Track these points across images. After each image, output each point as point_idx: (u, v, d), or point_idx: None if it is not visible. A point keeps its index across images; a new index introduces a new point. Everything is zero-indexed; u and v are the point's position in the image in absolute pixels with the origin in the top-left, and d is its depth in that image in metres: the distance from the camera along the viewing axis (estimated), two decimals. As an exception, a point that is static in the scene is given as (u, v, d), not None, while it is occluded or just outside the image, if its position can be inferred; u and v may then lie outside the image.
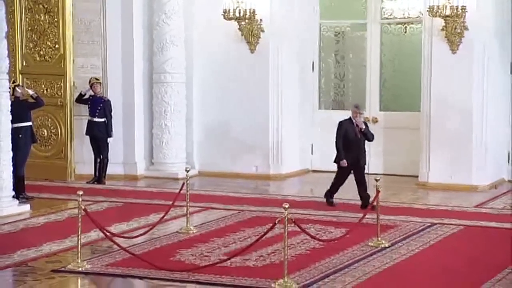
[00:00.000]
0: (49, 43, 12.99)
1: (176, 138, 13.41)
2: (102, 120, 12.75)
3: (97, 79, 12.84)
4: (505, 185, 12.48)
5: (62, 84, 12.98)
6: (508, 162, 12.84)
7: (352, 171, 10.66)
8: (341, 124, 10.66)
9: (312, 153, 13.97)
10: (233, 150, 13.38)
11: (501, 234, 9.38)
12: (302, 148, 13.88)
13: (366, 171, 13.27)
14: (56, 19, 12.91)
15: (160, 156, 13.41)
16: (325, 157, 13.69)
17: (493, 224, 9.89)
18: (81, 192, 8.07)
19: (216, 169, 13.37)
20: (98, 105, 12.71)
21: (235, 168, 13.29)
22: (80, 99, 12.92)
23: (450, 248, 8.75)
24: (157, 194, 11.89)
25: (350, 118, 10.61)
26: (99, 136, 12.79)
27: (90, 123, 12.80)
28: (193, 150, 13.71)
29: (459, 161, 12.10)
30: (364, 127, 10.58)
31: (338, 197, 11.04)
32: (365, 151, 10.78)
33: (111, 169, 13.05)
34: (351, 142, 10.50)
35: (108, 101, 12.83)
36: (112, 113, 12.84)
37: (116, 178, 13.07)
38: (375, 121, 13.44)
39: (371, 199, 9.93)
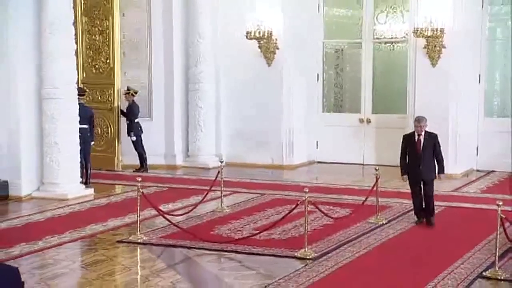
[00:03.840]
0: (102, 59, 12.97)
1: (207, 135, 13.43)
2: (127, 122, 12.71)
3: (128, 89, 12.73)
4: (474, 174, 12.49)
5: (111, 92, 12.92)
6: (477, 154, 12.81)
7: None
8: (403, 138, 8.65)
9: (317, 148, 13.94)
10: (253, 145, 13.37)
11: (475, 212, 9.45)
12: (309, 143, 13.84)
13: (362, 162, 13.59)
14: (107, 39, 12.89)
15: (194, 149, 13.44)
16: (327, 151, 13.86)
17: (468, 205, 9.96)
18: (139, 179, 8.14)
19: (239, 160, 13.34)
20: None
21: (255, 160, 13.27)
22: (123, 113, 12.91)
23: (435, 224, 8.80)
24: (193, 180, 11.93)
25: (414, 131, 8.54)
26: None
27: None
28: (221, 145, 13.72)
29: (438, 154, 12.14)
30: (423, 143, 8.30)
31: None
32: (431, 166, 8.39)
33: (155, 160, 13.09)
34: (412, 156, 8.43)
35: (130, 106, 12.67)
36: (135, 115, 12.69)
37: (159, 167, 13.11)
38: (368, 121, 13.51)
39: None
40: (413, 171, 8.39)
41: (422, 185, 8.44)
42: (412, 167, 8.39)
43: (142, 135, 12.78)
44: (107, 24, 12.87)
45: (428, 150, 8.32)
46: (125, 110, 12.83)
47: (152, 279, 6.55)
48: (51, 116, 10.15)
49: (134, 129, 12.64)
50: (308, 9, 13.53)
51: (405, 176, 8.51)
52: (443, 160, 8.45)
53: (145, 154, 12.82)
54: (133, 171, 12.59)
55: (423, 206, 8.51)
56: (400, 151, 8.58)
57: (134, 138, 12.64)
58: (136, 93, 12.77)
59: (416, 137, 8.38)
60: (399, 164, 8.63)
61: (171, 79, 13.28)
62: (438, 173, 8.38)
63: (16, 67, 10.05)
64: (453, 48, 11.96)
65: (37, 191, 10.27)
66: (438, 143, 8.41)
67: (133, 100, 12.70)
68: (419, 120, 8.41)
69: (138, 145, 12.76)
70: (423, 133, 8.34)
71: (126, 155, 13.12)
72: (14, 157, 10.09)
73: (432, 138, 8.38)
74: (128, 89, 12.72)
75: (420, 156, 8.32)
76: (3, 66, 10.00)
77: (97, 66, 13.12)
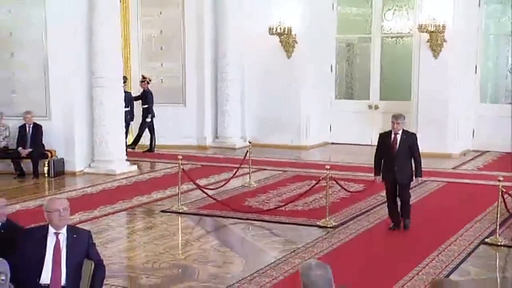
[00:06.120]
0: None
1: (234, 119, 13.41)
2: (145, 106, 12.52)
3: (144, 77, 12.60)
4: (470, 154, 12.44)
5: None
6: (473, 136, 12.75)
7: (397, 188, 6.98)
8: (379, 136, 7.14)
9: (330, 130, 13.90)
10: (274, 127, 13.33)
11: (473, 187, 9.44)
12: (323, 126, 13.80)
13: (370, 143, 13.47)
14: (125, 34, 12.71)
15: (222, 131, 13.44)
16: (340, 133, 13.82)
17: (467, 180, 9.95)
18: (180, 157, 8.22)
19: (262, 141, 13.19)
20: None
21: (276, 141, 13.21)
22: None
23: (439, 197, 8.87)
24: (222, 159, 11.96)
25: (391, 130, 6.88)
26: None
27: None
28: (246, 127, 13.72)
29: (439, 136, 12.02)
30: (399, 142, 6.73)
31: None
32: (406, 168, 6.81)
33: (188, 141, 13.13)
34: (387, 156, 6.87)
35: (146, 92, 12.46)
36: (153, 100, 12.49)
37: (191, 148, 13.07)
38: (376, 107, 13.47)
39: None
40: (387, 172, 6.86)
41: (398, 188, 6.92)
42: (386, 168, 6.86)
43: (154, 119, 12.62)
44: (124, 20, 12.61)
45: (404, 150, 6.75)
46: (136, 96, 12.60)
47: (194, 243, 6.67)
48: (100, 102, 10.25)
49: (152, 113, 12.53)
50: (323, 8, 13.45)
51: (378, 177, 6.98)
52: (420, 162, 6.87)
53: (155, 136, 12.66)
54: (143, 152, 12.45)
55: (399, 211, 7.03)
56: (375, 150, 7.09)
57: (149, 120, 12.50)
58: (150, 80, 12.63)
59: (393, 136, 6.78)
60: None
61: (202, 70, 13.26)
62: (416, 175, 6.86)
63: (70, 61, 10.13)
64: (453, 42, 11.88)
65: (89, 167, 10.39)
66: (417, 143, 6.84)
67: (148, 87, 12.53)
68: (396, 117, 6.76)
69: (152, 128, 12.62)
70: (400, 132, 6.77)
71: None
72: (69, 137, 10.22)
73: (409, 138, 6.82)
74: (144, 77, 12.62)
75: (394, 156, 6.75)
76: (58, 61, 10.09)
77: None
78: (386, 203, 7.15)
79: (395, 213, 7.00)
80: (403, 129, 6.79)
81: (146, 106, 12.57)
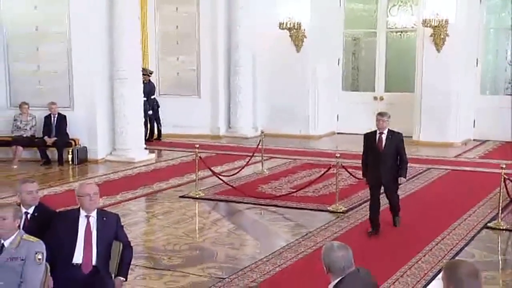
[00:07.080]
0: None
1: (246, 110, 13.39)
2: (145, 99, 12.08)
3: (144, 70, 12.34)
4: (471, 143, 12.38)
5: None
6: (474, 127, 12.70)
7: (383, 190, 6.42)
8: (364, 137, 6.50)
9: (337, 120, 13.90)
10: (284, 118, 13.30)
11: (475, 174, 9.42)
12: (331, 117, 13.78)
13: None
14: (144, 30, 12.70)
15: (235, 122, 13.42)
16: (346, 123, 13.80)
17: (468, 168, 9.92)
18: (197, 145, 8.25)
19: (272, 131, 12.99)
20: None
21: (286, 131, 13.20)
22: None
23: (442, 184, 8.86)
24: (235, 148, 11.96)
25: (375, 130, 6.31)
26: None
27: None
28: (257, 118, 13.70)
29: (441, 126, 12.02)
30: (385, 142, 6.14)
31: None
32: (393, 169, 6.21)
33: (202, 131, 13.14)
34: (372, 156, 6.26)
35: (147, 84, 12.13)
36: (155, 92, 12.56)
37: (205, 137, 13.03)
38: (381, 99, 13.43)
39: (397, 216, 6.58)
40: (373, 173, 6.24)
41: (384, 191, 6.38)
42: (372, 169, 6.25)
43: (159, 110, 12.58)
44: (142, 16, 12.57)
45: (391, 150, 6.16)
46: None
47: (211, 227, 6.72)
48: (120, 94, 10.28)
49: (151, 105, 12.42)
50: (331, 4, 13.40)
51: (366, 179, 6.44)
52: (406, 162, 6.27)
53: (160, 126, 12.68)
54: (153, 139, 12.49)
55: (379, 215, 6.34)
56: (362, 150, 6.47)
57: (150, 112, 12.39)
58: (151, 73, 12.56)
59: (378, 136, 6.22)
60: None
61: (215, 63, 13.24)
62: (399, 175, 6.24)
63: (92, 54, 10.16)
64: (455, 36, 11.80)
65: (110, 155, 10.43)
66: (403, 143, 6.28)
67: (149, 80, 12.42)
68: (382, 114, 6.25)
69: (158, 118, 12.59)
70: (385, 131, 6.19)
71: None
72: (92, 127, 10.27)
73: (395, 138, 6.20)
74: (144, 70, 12.49)
75: (380, 156, 6.15)
76: (81, 54, 10.13)
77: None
78: (369, 204, 6.36)
79: (377, 217, 6.30)
80: (388, 129, 6.20)
81: (145, 99, 12.44)
